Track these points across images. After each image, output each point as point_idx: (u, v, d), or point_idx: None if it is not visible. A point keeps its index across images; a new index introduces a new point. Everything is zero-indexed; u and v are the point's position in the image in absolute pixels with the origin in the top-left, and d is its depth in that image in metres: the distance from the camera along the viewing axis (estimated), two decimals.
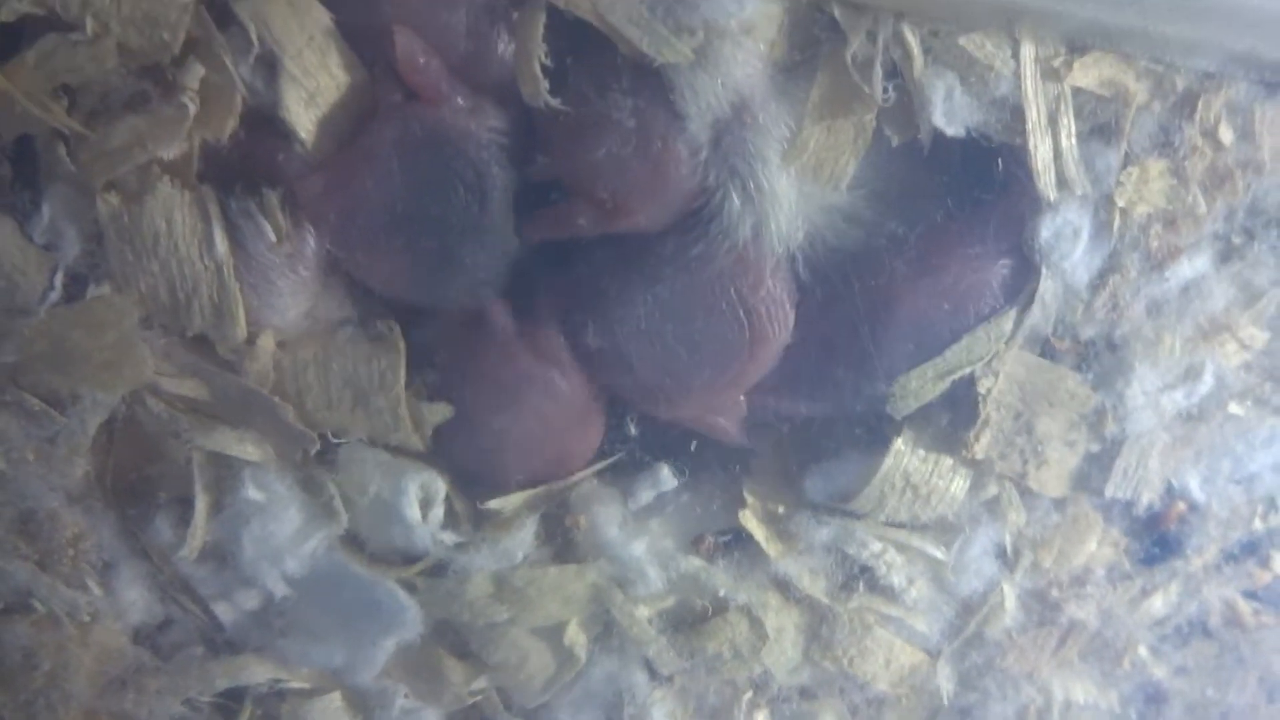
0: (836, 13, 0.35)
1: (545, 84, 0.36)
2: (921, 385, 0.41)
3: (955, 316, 0.40)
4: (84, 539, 0.40)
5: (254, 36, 0.34)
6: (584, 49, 0.36)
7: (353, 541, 0.42)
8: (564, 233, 0.39)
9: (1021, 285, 0.40)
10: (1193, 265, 0.40)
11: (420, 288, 0.39)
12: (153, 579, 0.42)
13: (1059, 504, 0.44)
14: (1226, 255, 0.40)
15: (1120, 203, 0.38)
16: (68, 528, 0.40)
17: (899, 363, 0.40)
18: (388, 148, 0.37)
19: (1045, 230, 0.39)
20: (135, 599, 0.42)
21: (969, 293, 0.40)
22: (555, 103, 0.36)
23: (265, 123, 0.35)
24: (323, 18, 0.36)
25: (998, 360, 0.40)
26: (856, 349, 0.41)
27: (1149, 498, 0.44)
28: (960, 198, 0.40)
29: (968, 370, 0.40)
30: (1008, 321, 0.40)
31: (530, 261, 0.40)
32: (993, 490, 0.44)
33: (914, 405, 0.41)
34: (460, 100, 0.37)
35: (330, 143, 0.36)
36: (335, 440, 0.40)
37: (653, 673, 0.45)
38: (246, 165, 0.36)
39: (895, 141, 0.37)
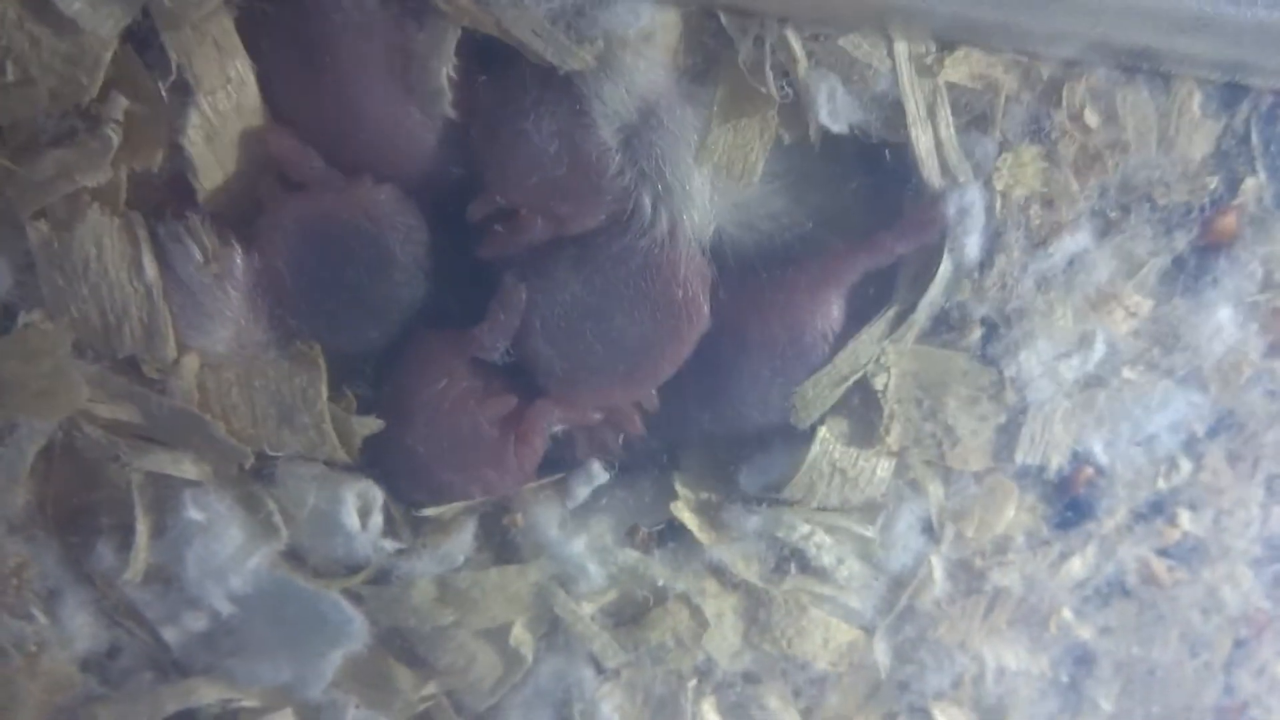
0: (723, 20, 0.38)
1: (450, 96, 0.38)
2: (818, 394, 0.43)
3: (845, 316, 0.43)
4: (27, 568, 0.41)
5: (174, 66, 0.36)
6: (502, 65, 0.38)
7: (295, 556, 0.43)
8: (517, 247, 0.41)
9: (901, 278, 0.42)
10: (1075, 240, 0.42)
11: (339, 340, 0.41)
12: (98, 605, 0.42)
13: (977, 476, 0.46)
14: (1105, 230, 0.43)
15: (999, 187, 0.40)
16: (10, 558, 0.41)
17: (805, 364, 0.43)
18: (281, 233, 0.39)
19: (950, 210, 0.41)
20: (81, 626, 0.42)
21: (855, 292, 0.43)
22: (454, 115, 0.38)
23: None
24: (245, 66, 0.38)
25: (886, 357, 0.43)
26: (768, 348, 0.43)
27: (1057, 463, 0.46)
28: (864, 186, 0.43)
29: (859, 373, 0.43)
30: (885, 321, 0.42)
31: (453, 286, 0.42)
32: (914, 469, 0.46)
33: (816, 414, 0.43)
34: (341, 183, 0.39)
35: (220, 182, 0.38)
36: (272, 454, 0.41)
37: (599, 667, 0.46)
38: (171, 189, 0.38)
39: (787, 140, 0.40)
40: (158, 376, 0.39)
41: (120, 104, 0.36)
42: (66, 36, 0.35)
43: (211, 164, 0.38)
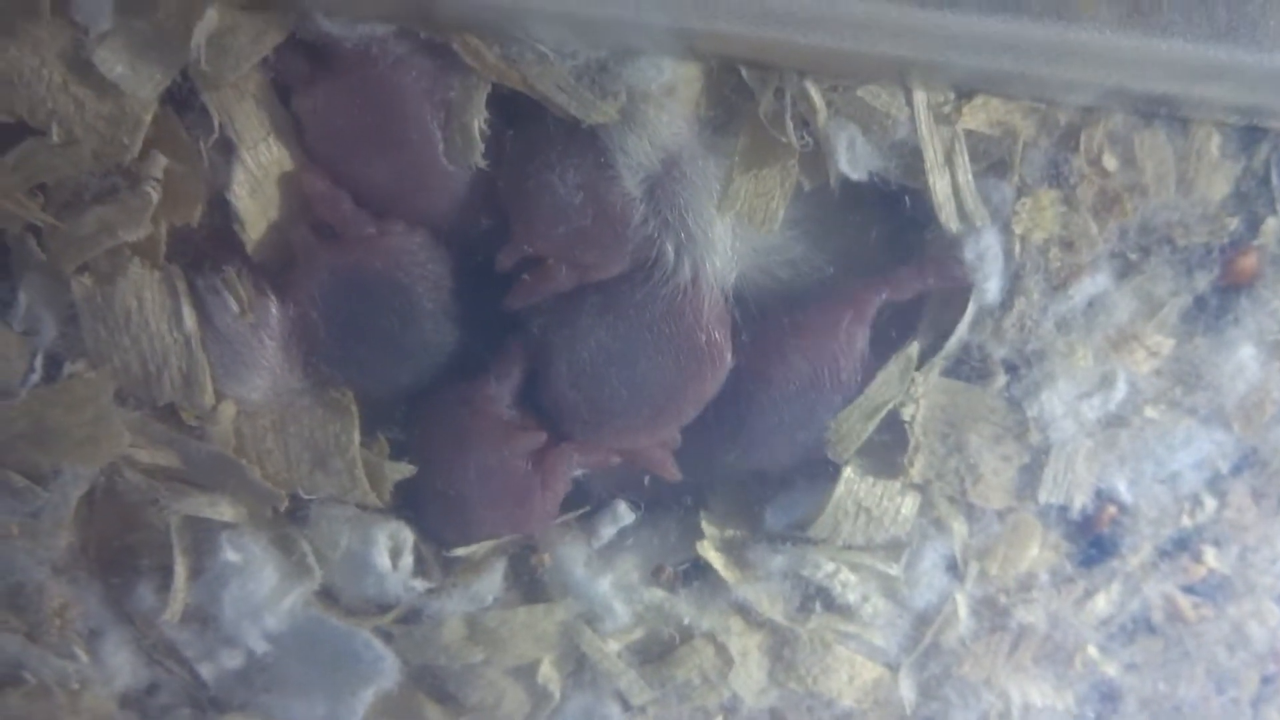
0: (744, 74, 0.39)
1: (481, 148, 0.39)
2: (852, 427, 0.43)
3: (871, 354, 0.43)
4: (70, 609, 0.42)
5: (216, 124, 0.37)
6: (528, 119, 0.39)
7: (328, 595, 0.44)
8: (544, 295, 0.42)
9: (926, 314, 0.43)
10: (1094, 282, 0.43)
11: (371, 386, 0.42)
12: (138, 644, 0.44)
13: (1000, 514, 0.47)
14: (1125, 271, 0.43)
15: (1018, 231, 0.41)
16: (54, 598, 0.42)
17: (828, 402, 0.43)
18: (315, 283, 0.40)
19: (969, 254, 0.42)
20: (122, 664, 0.43)
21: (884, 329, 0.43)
22: (485, 165, 0.39)
23: (223, 202, 0.38)
24: (283, 120, 0.39)
25: (915, 388, 0.43)
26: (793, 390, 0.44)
27: (1081, 502, 0.46)
28: (884, 231, 0.43)
29: (892, 404, 0.43)
30: (914, 350, 0.43)
31: (483, 332, 0.43)
32: (938, 507, 0.46)
33: (852, 447, 0.44)
34: (376, 230, 0.40)
35: (265, 232, 0.40)
36: (306, 497, 0.42)
37: (625, 704, 0.46)
38: (209, 242, 0.39)
39: (807, 188, 0.41)
40: (196, 423, 0.41)
41: (160, 162, 0.38)
42: (109, 99, 0.37)
43: (257, 215, 0.39)
